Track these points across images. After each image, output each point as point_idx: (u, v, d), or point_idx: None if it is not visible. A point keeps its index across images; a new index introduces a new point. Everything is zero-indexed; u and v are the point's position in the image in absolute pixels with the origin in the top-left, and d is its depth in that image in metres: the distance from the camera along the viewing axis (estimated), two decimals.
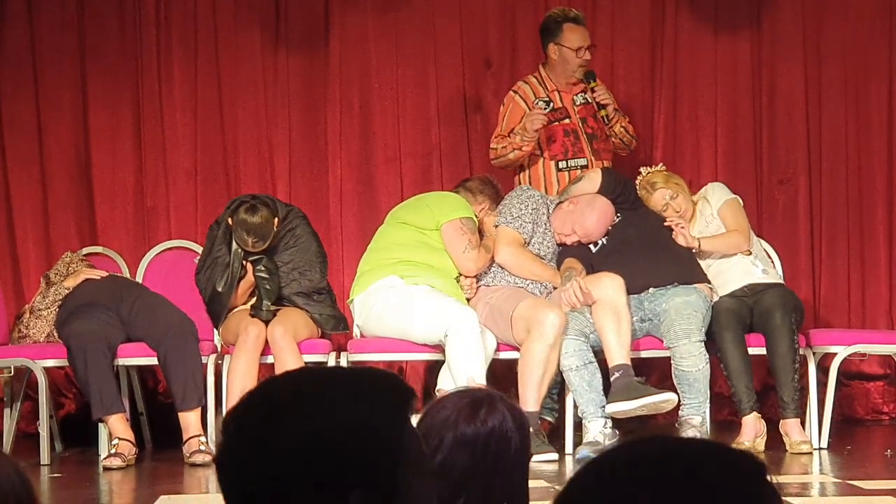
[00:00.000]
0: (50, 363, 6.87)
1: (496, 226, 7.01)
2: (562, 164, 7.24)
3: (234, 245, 6.83)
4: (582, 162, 7.22)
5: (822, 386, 6.91)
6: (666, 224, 7.00)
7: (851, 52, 8.00)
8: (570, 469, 6.42)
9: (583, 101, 7.29)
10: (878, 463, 6.61)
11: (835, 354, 6.98)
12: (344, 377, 1.67)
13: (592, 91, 7.23)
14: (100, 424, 6.73)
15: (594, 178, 7.07)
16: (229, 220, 6.82)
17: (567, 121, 7.26)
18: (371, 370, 1.67)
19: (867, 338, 7.19)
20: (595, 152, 7.24)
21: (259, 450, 1.58)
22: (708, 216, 7.11)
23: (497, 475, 2.46)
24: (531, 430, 6.74)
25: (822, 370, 7.03)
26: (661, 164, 7.31)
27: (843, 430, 7.34)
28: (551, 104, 7.27)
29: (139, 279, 7.34)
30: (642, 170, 7.22)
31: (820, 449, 6.81)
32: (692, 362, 6.61)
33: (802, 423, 6.81)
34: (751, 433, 6.72)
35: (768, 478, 1.43)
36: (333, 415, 1.59)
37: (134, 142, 7.91)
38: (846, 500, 5.56)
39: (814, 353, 6.97)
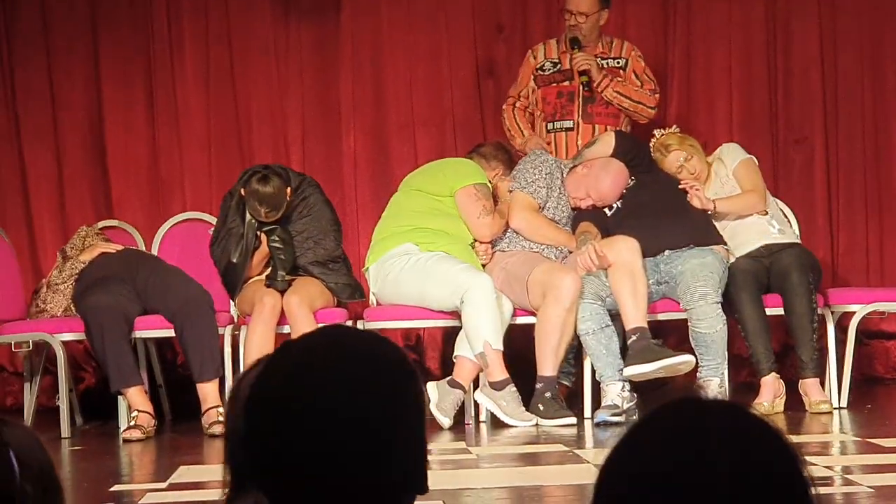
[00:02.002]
0: (68, 337, 6.88)
1: (510, 191, 6.99)
2: (549, 126, 7.27)
3: (248, 216, 6.83)
4: (567, 124, 7.24)
5: (840, 345, 6.88)
6: (681, 186, 6.97)
7: (866, 6, 7.94)
8: (588, 433, 6.42)
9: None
10: None
11: (853, 313, 6.95)
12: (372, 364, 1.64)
13: (573, 59, 7.23)
14: (119, 397, 6.75)
15: (608, 141, 7.05)
16: (242, 191, 6.81)
17: (566, 83, 7.26)
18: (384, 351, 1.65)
19: (886, 296, 7.15)
20: (587, 115, 7.22)
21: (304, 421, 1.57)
22: (723, 177, 7.08)
23: None
24: (548, 394, 6.74)
25: (841, 329, 7.00)
26: (675, 126, 7.27)
27: (863, 389, 7.32)
28: (559, 65, 7.29)
29: (154, 251, 7.35)
30: (656, 132, 7.19)
31: (840, 408, 6.79)
32: (709, 324, 6.59)
33: (822, 383, 6.80)
34: (770, 394, 6.71)
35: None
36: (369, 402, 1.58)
37: (147, 113, 7.90)
38: (866, 458, 5.54)
39: (832, 313, 6.95)
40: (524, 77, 7.37)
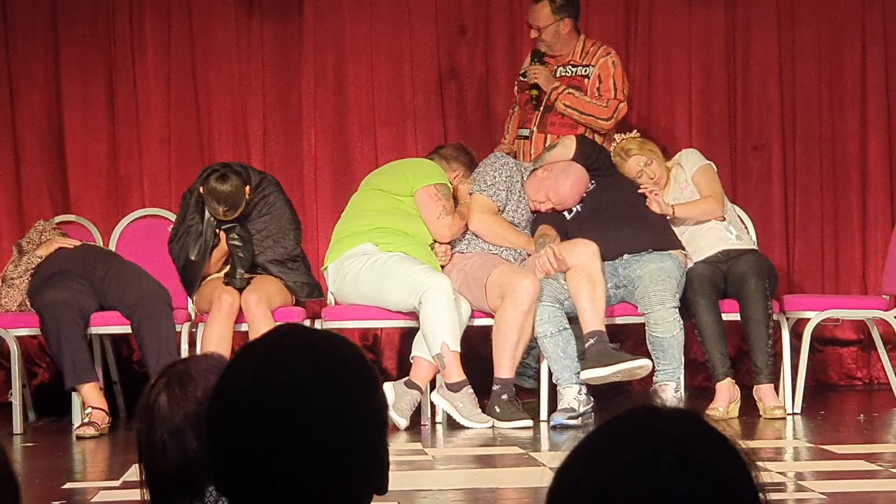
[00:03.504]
0: (22, 332, 6.84)
1: (470, 193, 7.00)
2: (519, 132, 7.32)
3: (207, 213, 6.81)
4: (525, 132, 7.27)
5: (795, 351, 6.92)
6: (640, 191, 7.00)
7: (824, 16, 7.99)
8: (544, 436, 6.43)
9: (563, 74, 7.28)
10: (851, 428, 6.64)
11: (808, 320, 6.99)
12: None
13: (529, 71, 7.27)
14: (73, 393, 6.71)
15: (569, 145, 7.07)
16: (200, 189, 6.79)
17: (535, 91, 7.29)
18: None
19: (840, 303, 7.21)
20: (542, 125, 7.24)
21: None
22: (682, 182, 7.11)
23: None
24: (505, 396, 6.75)
25: (796, 336, 7.05)
26: (635, 131, 7.29)
27: (817, 396, 7.37)
28: None
29: (112, 248, 7.31)
30: (616, 136, 7.22)
31: (794, 414, 6.83)
32: (666, 328, 6.62)
33: (776, 389, 6.84)
34: (725, 399, 6.74)
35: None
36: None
37: (107, 109, 7.87)
38: (819, 465, 5.58)
39: (787, 319, 6.99)
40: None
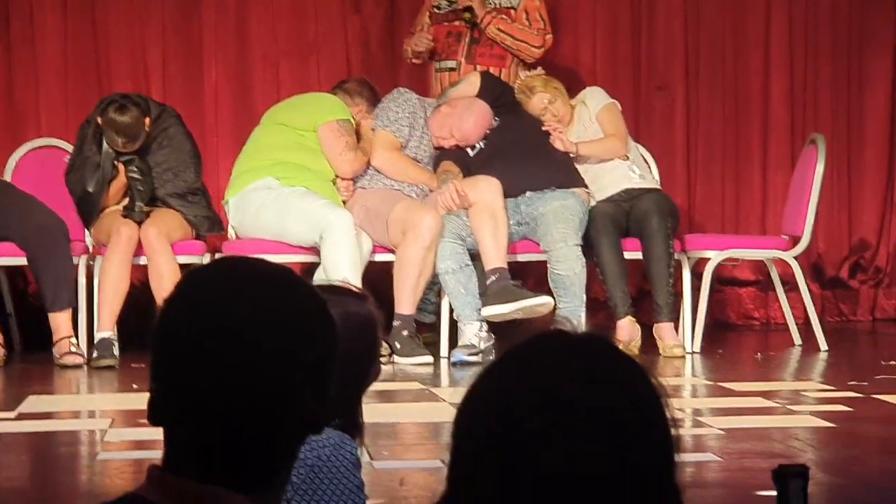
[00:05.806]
0: None
1: (373, 129, 6.95)
2: (436, 65, 7.25)
3: (105, 145, 6.70)
4: (451, 64, 7.22)
5: (695, 291, 6.98)
6: (544, 128, 6.99)
7: None
8: (444, 372, 6.44)
9: (490, 4, 7.23)
10: (748, 366, 6.73)
11: (709, 259, 7.05)
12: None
13: None
14: None
15: (473, 82, 7.04)
16: (99, 120, 6.68)
17: (457, 23, 7.23)
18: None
19: (740, 243, 7.27)
20: (470, 56, 7.20)
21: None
22: (586, 120, 7.11)
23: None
24: (405, 332, 6.70)
25: (697, 275, 7.10)
26: (539, 69, 7.28)
27: (716, 335, 7.44)
28: (454, 4, 7.24)
29: (7, 178, 7.17)
30: (521, 74, 7.19)
31: (693, 352, 6.89)
32: (568, 266, 6.63)
33: (676, 328, 6.89)
34: (625, 337, 6.77)
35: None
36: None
37: (1, 38, 7.69)
38: (717, 402, 5.65)
39: (688, 258, 7.04)
40: (422, 13, 7.36)
